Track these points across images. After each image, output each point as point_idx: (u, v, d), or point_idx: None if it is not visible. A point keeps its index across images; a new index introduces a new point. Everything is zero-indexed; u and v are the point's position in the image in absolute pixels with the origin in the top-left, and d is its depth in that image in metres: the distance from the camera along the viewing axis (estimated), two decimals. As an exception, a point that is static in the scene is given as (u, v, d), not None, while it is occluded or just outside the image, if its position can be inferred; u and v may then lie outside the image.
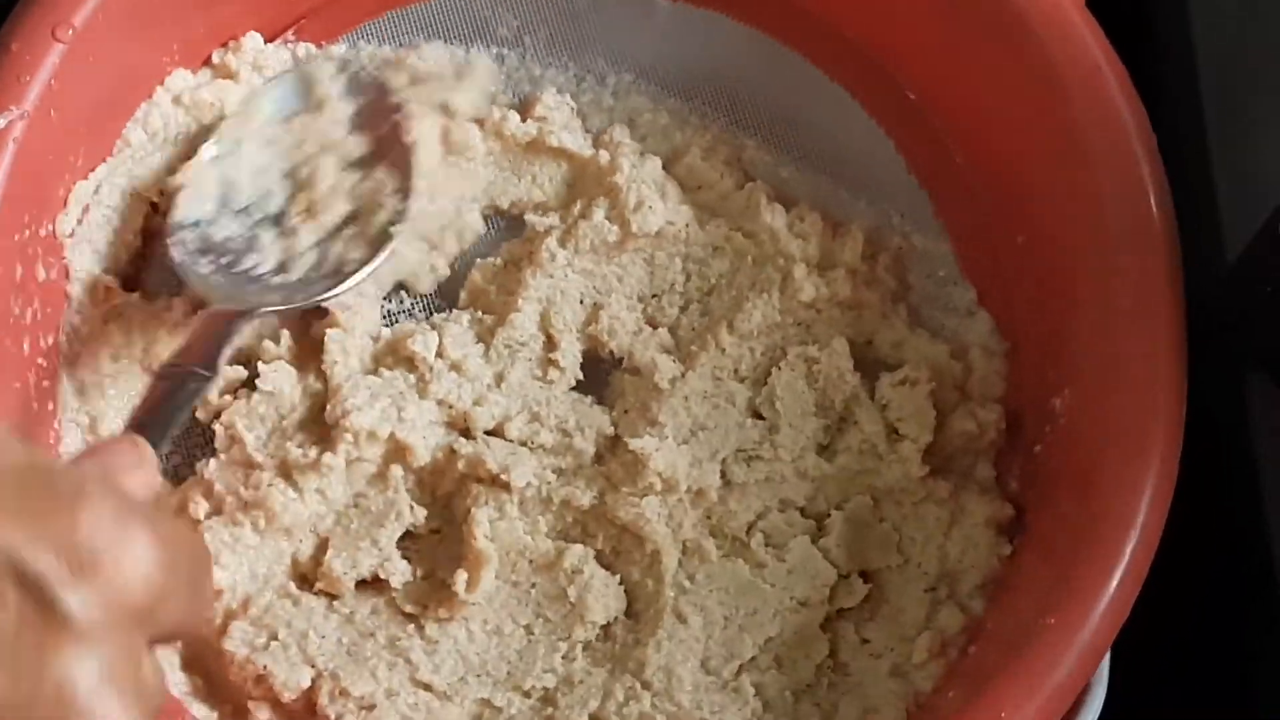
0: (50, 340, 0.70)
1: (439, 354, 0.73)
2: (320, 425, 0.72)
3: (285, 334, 0.74)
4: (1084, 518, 0.65)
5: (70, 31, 0.67)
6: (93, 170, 0.72)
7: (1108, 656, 0.63)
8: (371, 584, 0.71)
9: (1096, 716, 0.63)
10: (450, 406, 0.72)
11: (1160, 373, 0.66)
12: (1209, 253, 0.68)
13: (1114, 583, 0.62)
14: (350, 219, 0.72)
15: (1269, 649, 0.69)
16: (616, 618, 0.71)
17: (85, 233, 0.72)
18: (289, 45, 0.78)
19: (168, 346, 0.72)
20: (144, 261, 0.76)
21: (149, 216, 0.75)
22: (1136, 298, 0.67)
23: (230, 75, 0.76)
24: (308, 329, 0.74)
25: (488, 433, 0.73)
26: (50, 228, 0.70)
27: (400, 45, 0.79)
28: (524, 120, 0.77)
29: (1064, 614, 0.62)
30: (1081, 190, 0.69)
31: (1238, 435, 0.69)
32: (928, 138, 0.78)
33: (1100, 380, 0.68)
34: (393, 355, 0.73)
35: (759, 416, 0.74)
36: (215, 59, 0.77)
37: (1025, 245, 0.74)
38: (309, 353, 0.74)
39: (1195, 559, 0.69)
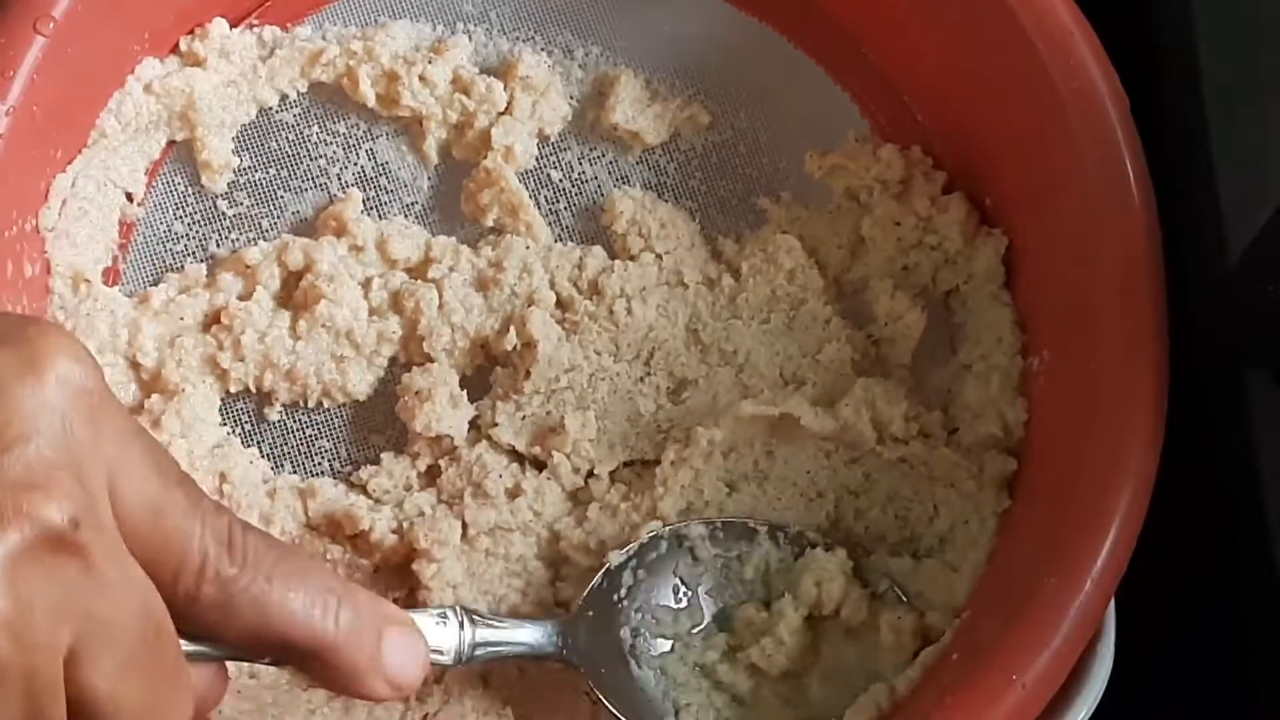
0: (36, 336, 0.70)
1: None
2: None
3: None
4: (1073, 475, 0.66)
5: (51, 25, 0.67)
6: (70, 163, 0.72)
7: (1113, 634, 0.64)
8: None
9: (1103, 684, 0.64)
10: None
11: (1142, 332, 0.66)
12: (1210, 252, 0.68)
13: (1110, 537, 0.63)
14: None
15: (1273, 652, 0.70)
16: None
17: (64, 226, 0.72)
18: (254, 29, 0.78)
19: (150, 337, 0.72)
20: (123, 253, 0.75)
21: (124, 208, 0.75)
22: (1115, 258, 0.67)
23: (199, 62, 0.76)
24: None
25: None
26: (34, 222, 0.70)
27: (366, 25, 0.79)
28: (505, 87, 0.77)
29: (1063, 573, 0.63)
30: (1057, 154, 0.70)
31: (1238, 435, 0.69)
32: (892, 102, 0.79)
33: (1079, 340, 0.69)
34: None
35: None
36: (183, 46, 0.76)
37: (994, 207, 0.75)
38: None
39: (1196, 558, 0.70)
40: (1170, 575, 0.65)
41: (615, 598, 0.69)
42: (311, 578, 0.54)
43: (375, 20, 0.79)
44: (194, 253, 0.76)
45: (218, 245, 0.76)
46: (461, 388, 0.74)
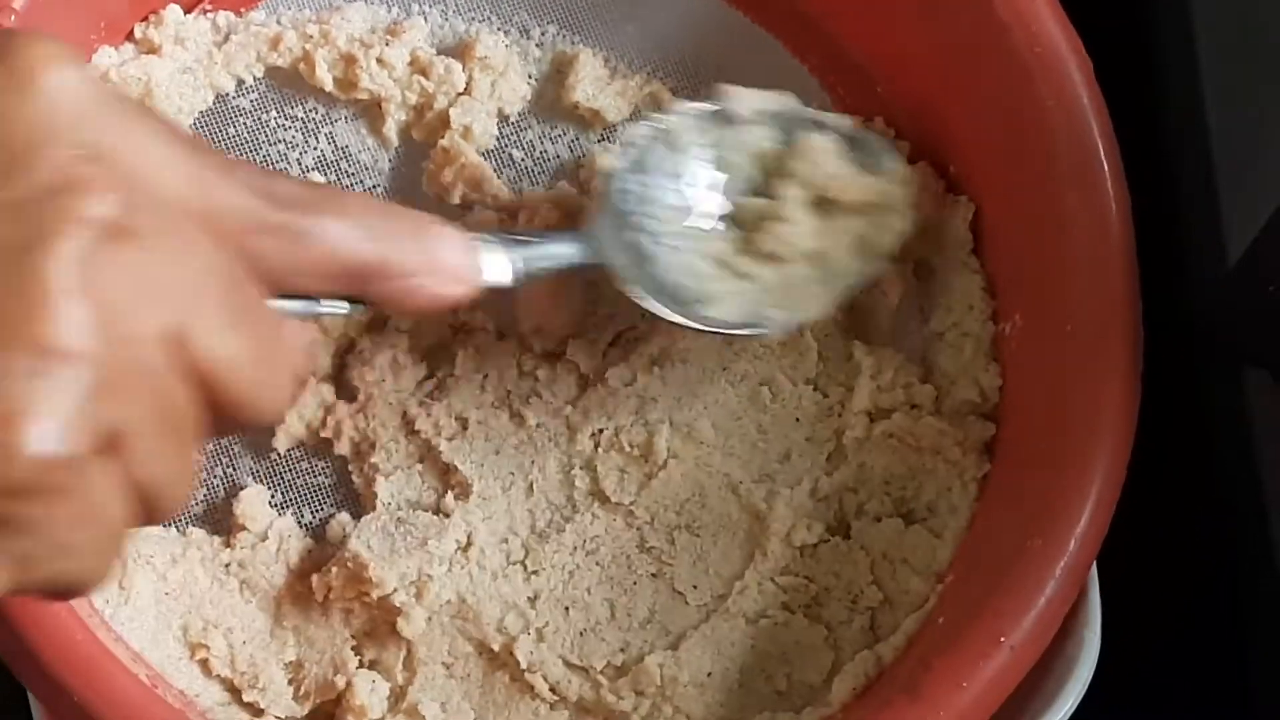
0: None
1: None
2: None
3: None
4: (1052, 437, 0.67)
5: (12, 16, 0.66)
6: (32, 156, 0.71)
7: (1099, 618, 0.65)
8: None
9: (1091, 669, 0.65)
10: None
11: (1113, 293, 0.67)
12: (1210, 253, 0.69)
13: (1092, 497, 0.64)
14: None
15: (1272, 653, 0.71)
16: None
17: (29, 222, 0.71)
18: (208, 15, 0.77)
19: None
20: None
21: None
22: (1084, 221, 0.68)
23: (154, 50, 0.75)
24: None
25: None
26: None
27: (321, 8, 0.78)
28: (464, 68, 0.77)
29: (1047, 534, 0.64)
30: (1023, 121, 0.70)
31: (1238, 435, 0.70)
32: (852, 74, 0.79)
33: (1051, 304, 0.69)
34: None
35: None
36: (138, 33, 0.75)
37: (959, 175, 0.75)
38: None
39: (1196, 558, 0.71)
40: (1170, 575, 0.65)
41: (621, 204, 0.68)
42: (350, 202, 0.55)
43: (330, 3, 0.79)
44: (156, 242, 0.75)
45: (180, 234, 0.76)
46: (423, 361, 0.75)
